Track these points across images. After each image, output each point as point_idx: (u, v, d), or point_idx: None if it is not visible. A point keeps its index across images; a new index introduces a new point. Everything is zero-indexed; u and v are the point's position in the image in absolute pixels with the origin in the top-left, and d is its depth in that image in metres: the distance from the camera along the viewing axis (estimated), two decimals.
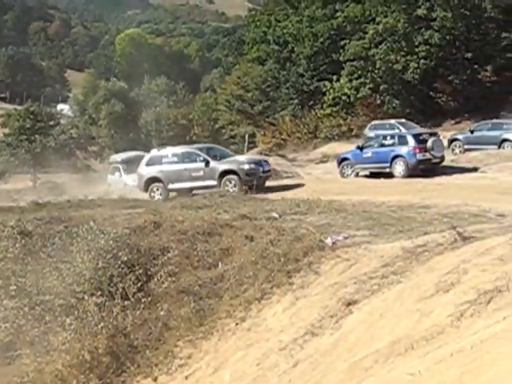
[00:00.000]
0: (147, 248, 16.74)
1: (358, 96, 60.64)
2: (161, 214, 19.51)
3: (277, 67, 68.42)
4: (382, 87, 60.90)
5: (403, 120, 44.85)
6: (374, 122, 45.02)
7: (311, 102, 64.66)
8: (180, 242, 16.98)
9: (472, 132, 40.15)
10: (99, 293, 15.36)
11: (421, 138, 32.01)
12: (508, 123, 39.79)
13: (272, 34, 68.67)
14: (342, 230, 16.31)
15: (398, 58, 59.46)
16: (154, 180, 29.71)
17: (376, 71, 60.50)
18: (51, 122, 74.68)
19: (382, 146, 32.36)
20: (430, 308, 11.52)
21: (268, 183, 30.64)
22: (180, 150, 32.06)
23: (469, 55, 60.91)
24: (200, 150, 30.51)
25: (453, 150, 39.46)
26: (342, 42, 62.04)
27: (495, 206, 19.23)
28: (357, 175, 32.38)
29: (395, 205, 20.01)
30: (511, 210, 18.03)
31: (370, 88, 60.87)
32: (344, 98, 61.18)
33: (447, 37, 60.55)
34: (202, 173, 28.61)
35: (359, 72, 61.47)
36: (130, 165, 38.66)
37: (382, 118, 53.87)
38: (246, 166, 28.48)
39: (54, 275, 16.29)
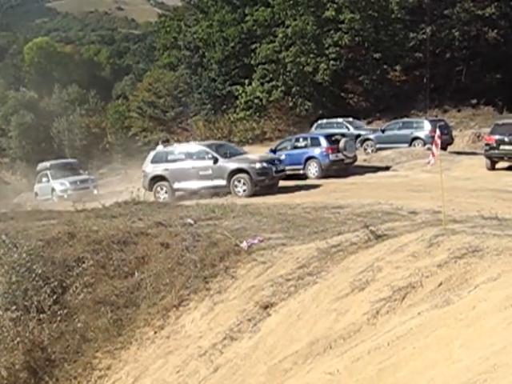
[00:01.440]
0: (62, 259, 16.49)
1: (271, 99, 61.17)
2: (75, 224, 19.22)
3: (188, 72, 68.52)
4: (293, 90, 61.52)
5: (350, 118, 45.25)
6: (320, 121, 44.72)
7: (224, 107, 64.95)
8: (95, 251, 16.80)
9: (383, 131, 40.84)
10: (14, 307, 15.09)
11: (333, 138, 32.41)
12: (418, 121, 40.64)
13: (182, 39, 68.79)
14: (257, 233, 16.39)
15: (309, 60, 60.26)
16: (158, 179, 27.63)
17: (287, 74, 61.15)
18: None
19: (295, 148, 32.60)
20: (346, 307, 11.66)
21: None
22: (187, 146, 30.28)
23: (378, 56, 62.12)
24: (209, 146, 28.44)
25: (365, 149, 40.05)
26: (253, 46, 62.53)
27: (407, 203, 19.59)
28: None
29: (309, 206, 20.18)
30: (423, 207, 18.40)
31: (281, 91, 61.45)
32: (256, 101, 61.63)
33: (356, 38, 61.62)
34: (210, 171, 26.49)
35: (271, 75, 62.03)
36: (59, 170, 37.94)
37: (294, 121, 54.55)
38: (258, 165, 26.35)
39: None
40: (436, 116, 48.22)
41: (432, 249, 12.13)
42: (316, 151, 31.37)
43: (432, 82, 62.91)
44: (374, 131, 42.69)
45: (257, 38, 62.93)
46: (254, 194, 25.72)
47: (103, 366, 13.93)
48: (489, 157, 32.35)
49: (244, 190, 25.41)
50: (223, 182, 26.00)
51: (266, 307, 13.00)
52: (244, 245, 15.48)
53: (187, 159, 27.20)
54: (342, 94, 61.82)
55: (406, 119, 43.23)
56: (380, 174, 31.79)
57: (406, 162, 34.46)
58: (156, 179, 27.49)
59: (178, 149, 28.84)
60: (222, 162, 26.23)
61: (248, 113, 61.60)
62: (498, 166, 32.32)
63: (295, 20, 60.73)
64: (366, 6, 61.40)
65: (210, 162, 26.25)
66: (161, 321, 14.33)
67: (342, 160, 31.71)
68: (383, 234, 14.03)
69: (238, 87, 63.07)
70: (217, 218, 18.92)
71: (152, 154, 29.35)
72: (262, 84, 62.10)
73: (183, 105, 66.53)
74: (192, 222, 18.38)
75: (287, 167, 31.80)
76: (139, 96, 76.81)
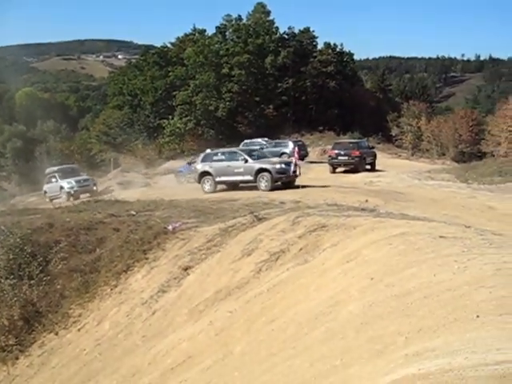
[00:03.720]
0: (44, 242, 16.00)
1: (187, 128, 61.09)
2: (53, 217, 18.67)
3: (130, 111, 67.57)
4: (202, 122, 61.81)
5: (266, 138, 44.50)
6: (246, 141, 43.37)
7: (155, 134, 64.29)
8: (68, 235, 16.36)
9: (263, 149, 40.99)
10: (12, 276, 14.67)
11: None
12: (284, 142, 41.11)
13: (126, 88, 67.83)
14: (179, 219, 16.27)
15: (211, 102, 60.72)
16: (205, 173, 25.74)
17: (197, 111, 61.31)
18: None
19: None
20: (239, 267, 11.71)
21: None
22: (227, 150, 28.46)
23: (257, 98, 62.99)
24: (243, 151, 26.63)
25: None
26: (174, 93, 62.36)
27: (279, 196, 19.78)
28: (188, 182, 32.18)
29: (214, 200, 20.15)
30: (289, 199, 18.60)
31: (194, 123, 61.54)
32: (177, 130, 61.35)
33: (243, 87, 62.27)
34: (242, 169, 24.62)
35: (186, 112, 61.98)
36: (65, 173, 35.65)
37: (202, 143, 54.60)
38: (278, 166, 24.28)
39: None
40: (296, 138, 48.77)
41: (294, 226, 12.29)
42: None
43: (294, 115, 64.07)
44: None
45: (176, 87, 62.72)
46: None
47: (76, 315, 13.67)
48: (331, 164, 33.11)
49: (266, 185, 23.76)
50: (251, 178, 24.33)
51: (186, 269, 12.94)
52: (170, 227, 15.35)
53: (226, 160, 25.48)
54: (235, 125, 62.11)
55: (277, 140, 43.53)
56: None
57: None
58: (203, 174, 25.82)
59: (221, 151, 27.35)
60: (250, 162, 24.61)
61: (172, 138, 61.23)
62: (337, 170, 33.07)
63: (202, 75, 60.96)
64: (249, 66, 62.17)
65: (242, 163, 24.72)
66: (115, 281, 14.10)
67: None
68: (263, 217, 14.13)
69: (165, 121, 62.76)
70: (151, 209, 18.61)
71: (202, 155, 27.90)
72: (181, 118, 61.93)
73: (127, 133, 65.43)
74: (134, 213, 18.06)
75: None
76: (97, 128, 75.12)
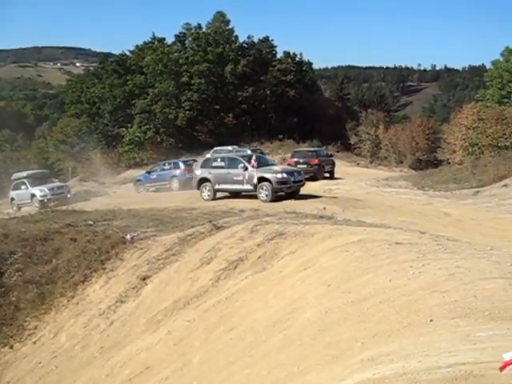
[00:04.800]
0: None
1: (146, 137, 60.52)
2: (8, 227, 18.32)
3: (88, 120, 66.62)
4: (161, 130, 61.28)
5: (236, 146, 43.70)
6: (215, 148, 42.67)
7: (114, 143, 63.51)
8: (23, 246, 16.08)
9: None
10: None
11: (188, 163, 32.14)
12: (244, 150, 41.02)
13: (84, 96, 66.90)
14: (137, 228, 16.14)
15: (171, 110, 60.32)
16: (204, 180, 23.67)
17: (157, 120, 60.87)
18: None
19: (163, 170, 32.09)
20: (198, 276, 11.68)
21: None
22: (227, 155, 26.55)
23: (217, 107, 62.86)
24: (242, 156, 24.32)
25: None
26: (133, 101, 61.80)
27: (238, 205, 19.76)
28: (147, 191, 31.91)
29: (173, 209, 20.00)
30: (248, 207, 18.62)
31: (153, 131, 61.00)
32: (136, 139, 60.79)
33: (202, 95, 62.09)
34: (241, 177, 22.49)
35: (146, 121, 61.46)
36: (35, 179, 33.46)
37: (161, 152, 54.41)
38: (279, 176, 21.98)
39: None
40: (256, 146, 48.81)
41: (253, 234, 12.34)
42: (177, 172, 30.94)
43: (253, 124, 64.20)
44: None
45: (135, 95, 62.13)
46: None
47: (31, 327, 13.45)
48: None
49: (266, 196, 21.72)
50: (251, 187, 22.23)
51: (144, 279, 12.86)
52: (128, 237, 15.22)
53: (226, 167, 23.40)
54: (194, 133, 61.85)
55: (237, 148, 43.38)
56: None
57: None
58: (202, 180, 23.78)
59: (220, 157, 25.19)
60: (251, 170, 22.38)
61: (131, 147, 60.58)
62: None
63: (161, 83, 60.63)
64: (209, 74, 62.14)
65: (242, 170, 22.54)
66: (72, 292, 13.92)
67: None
68: (221, 225, 14.14)
69: (124, 129, 62.13)
70: (109, 219, 18.40)
71: (201, 160, 26.22)
72: (140, 127, 61.37)
73: (85, 142, 64.47)
74: (92, 222, 17.83)
75: (158, 183, 31.38)
76: (54, 136, 73.76)
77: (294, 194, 22.33)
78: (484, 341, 4.30)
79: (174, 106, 60.98)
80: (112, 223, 17.52)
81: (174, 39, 67.79)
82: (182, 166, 31.53)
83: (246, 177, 22.31)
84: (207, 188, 23.52)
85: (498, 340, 4.53)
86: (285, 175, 22.13)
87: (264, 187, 21.77)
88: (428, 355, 4.48)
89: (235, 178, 22.67)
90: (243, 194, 22.83)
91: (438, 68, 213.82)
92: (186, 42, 67.40)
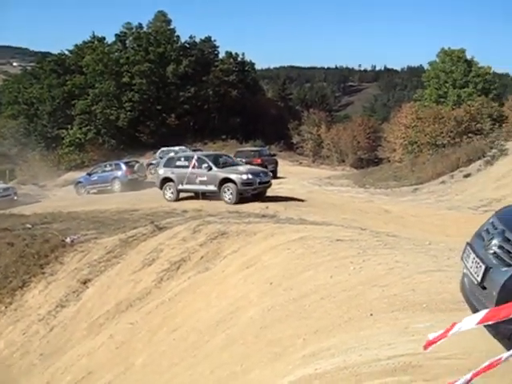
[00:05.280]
0: None
1: (87, 138, 59.70)
2: None
3: (26, 121, 65.02)
4: (102, 131, 60.58)
5: (183, 147, 42.97)
6: (162, 148, 41.52)
7: (54, 145, 62.14)
8: None
9: (161, 158, 40.29)
10: None
11: (130, 164, 31.83)
12: (186, 150, 40.74)
13: (21, 97, 65.23)
14: (78, 231, 15.82)
15: (112, 111, 59.83)
16: (167, 180, 22.45)
17: (98, 121, 60.22)
18: None
19: (104, 171, 31.60)
20: (140, 277, 11.55)
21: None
22: (190, 154, 25.24)
23: (159, 107, 62.51)
24: (207, 156, 23.15)
25: (150, 170, 38.62)
26: (73, 102, 60.81)
27: (181, 206, 19.63)
28: (88, 193, 31.31)
29: (115, 211, 19.71)
30: (191, 207, 18.53)
31: (94, 132, 60.25)
32: (77, 140, 59.84)
33: (144, 96, 61.80)
34: (205, 178, 21.34)
35: (86, 122, 60.67)
36: None
37: (103, 153, 53.62)
38: (244, 176, 20.89)
39: None
40: (195, 147, 48.33)
41: (195, 234, 12.28)
42: (119, 173, 30.53)
43: (196, 124, 63.99)
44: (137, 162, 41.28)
45: (75, 96, 61.14)
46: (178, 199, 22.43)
47: None
48: None
49: (230, 198, 20.65)
50: (214, 188, 21.11)
51: (85, 282, 12.61)
52: (68, 240, 14.90)
53: (189, 166, 22.19)
54: (136, 134, 61.22)
55: (183, 149, 42.99)
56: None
57: None
58: (165, 180, 22.58)
59: (183, 156, 23.89)
60: (215, 170, 21.35)
61: (71, 148, 59.51)
62: None
63: (101, 84, 59.92)
64: (151, 74, 61.81)
65: (206, 170, 21.42)
66: (10, 298, 13.50)
67: (136, 178, 31.03)
68: (164, 226, 14.04)
69: (64, 131, 60.98)
70: (49, 222, 17.96)
71: (164, 159, 24.97)
72: (80, 128, 60.48)
73: (23, 144, 62.84)
74: (30, 226, 17.37)
75: (98, 185, 30.86)
76: None
77: (260, 196, 21.52)
78: (422, 332, 4.38)
79: (115, 107, 60.33)
80: (51, 226, 17.12)
81: (114, 39, 67.00)
82: (123, 167, 31.12)
83: (210, 177, 21.40)
84: (170, 188, 22.55)
85: (435, 331, 4.62)
86: (250, 176, 21.18)
87: (228, 188, 20.85)
88: (368, 348, 4.54)
89: (199, 179, 21.73)
90: (207, 195, 21.97)
91: (377, 68, 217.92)
92: (127, 41, 66.71)
